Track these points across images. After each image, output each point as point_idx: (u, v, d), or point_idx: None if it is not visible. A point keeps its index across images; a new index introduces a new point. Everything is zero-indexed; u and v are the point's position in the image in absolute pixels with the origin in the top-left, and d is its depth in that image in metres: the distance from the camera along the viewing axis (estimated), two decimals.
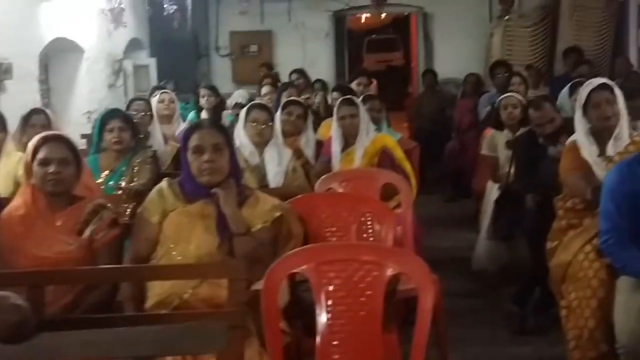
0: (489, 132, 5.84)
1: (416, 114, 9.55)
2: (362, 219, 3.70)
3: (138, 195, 3.86)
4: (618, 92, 3.88)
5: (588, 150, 3.79)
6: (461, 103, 8.47)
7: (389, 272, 2.45)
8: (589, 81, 3.98)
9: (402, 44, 19.71)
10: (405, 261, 2.45)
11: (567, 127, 4.46)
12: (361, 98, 5.51)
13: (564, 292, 3.59)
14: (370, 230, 3.72)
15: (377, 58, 20.27)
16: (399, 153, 4.92)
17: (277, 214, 3.03)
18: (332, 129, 4.96)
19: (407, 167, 4.91)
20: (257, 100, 5.53)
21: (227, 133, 3.08)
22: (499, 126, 5.70)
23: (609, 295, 3.25)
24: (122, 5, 8.34)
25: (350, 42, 19.85)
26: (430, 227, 6.95)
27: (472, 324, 4.58)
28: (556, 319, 4.16)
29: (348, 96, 5.11)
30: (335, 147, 4.83)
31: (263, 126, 4.35)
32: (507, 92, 6.37)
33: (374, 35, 21.71)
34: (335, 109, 4.93)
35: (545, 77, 8.60)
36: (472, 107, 7.91)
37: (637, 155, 3.28)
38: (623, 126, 3.80)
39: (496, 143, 5.59)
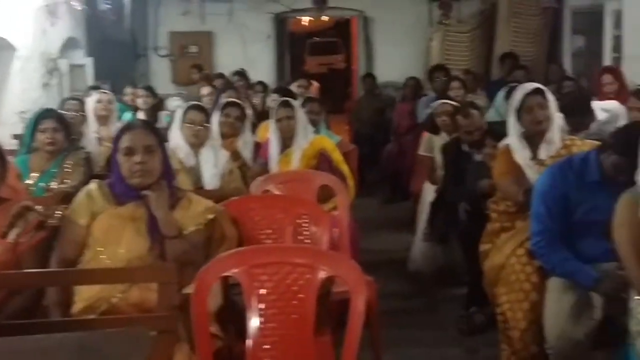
0: (427, 134, 5.92)
1: (356, 117, 9.59)
2: (298, 221, 3.68)
3: (69, 198, 3.76)
4: (550, 96, 3.96)
5: (520, 154, 3.86)
6: (400, 106, 8.55)
7: (322, 274, 2.43)
8: (522, 86, 4.04)
9: (344, 47, 19.78)
10: (337, 264, 2.44)
11: (491, 132, 4.55)
12: (301, 100, 5.51)
13: (497, 294, 3.62)
14: (306, 232, 3.72)
15: (319, 61, 20.32)
16: (337, 155, 4.92)
17: (210, 216, 2.99)
18: (269, 131, 4.94)
19: (345, 169, 4.92)
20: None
21: (159, 134, 3.03)
22: (435, 130, 5.78)
23: (540, 297, 3.28)
24: (57, 2, 8.14)
25: (292, 44, 19.86)
26: (368, 229, 6.98)
27: (407, 325, 4.59)
28: (489, 320, 4.26)
29: (285, 98, 5.08)
30: (273, 149, 4.81)
31: (199, 127, 4.29)
32: (446, 96, 6.48)
33: (316, 38, 21.74)
34: (272, 111, 4.91)
35: (482, 82, 8.72)
36: (410, 110, 8.00)
37: (568, 159, 3.35)
38: (555, 130, 3.88)
39: (433, 145, 5.67)
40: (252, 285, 2.41)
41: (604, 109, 5.06)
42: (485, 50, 9.71)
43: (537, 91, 3.88)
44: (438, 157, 5.52)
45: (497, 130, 4.37)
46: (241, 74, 8.49)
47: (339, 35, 20.66)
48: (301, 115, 4.84)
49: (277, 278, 2.42)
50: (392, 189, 8.24)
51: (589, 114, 4.75)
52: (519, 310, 3.39)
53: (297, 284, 2.41)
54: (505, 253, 3.65)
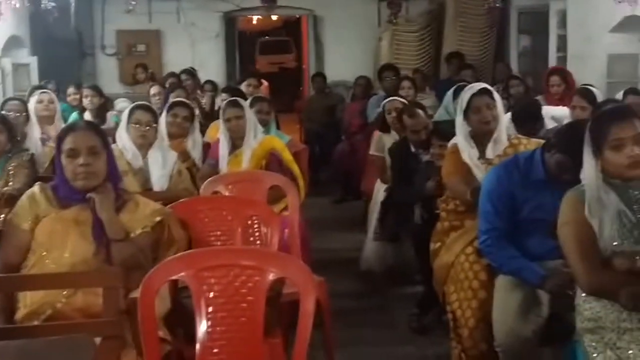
0: (378, 134, 5.94)
1: (306, 116, 9.58)
2: (249, 222, 3.67)
3: (12, 201, 3.66)
4: (497, 96, 4.01)
5: (468, 153, 3.89)
6: (351, 106, 8.57)
7: (271, 276, 2.41)
8: (470, 86, 4.08)
9: (295, 46, 19.78)
10: (286, 265, 2.42)
11: (438, 131, 4.60)
12: (250, 100, 5.47)
13: (447, 292, 3.64)
14: (257, 234, 3.70)
15: (270, 60, 20.25)
16: (287, 155, 4.90)
17: (158, 218, 2.95)
18: (219, 131, 4.89)
19: (295, 169, 4.90)
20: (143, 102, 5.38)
21: (103, 135, 2.97)
22: (386, 129, 5.81)
23: (489, 295, 3.30)
24: None
25: (242, 43, 19.75)
26: (320, 228, 6.99)
27: (359, 325, 4.60)
28: (439, 318, 4.30)
29: (233, 98, 5.04)
30: (223, 149, 4.76)
31: (147, 128, 4.23)
32: (396, 96, 6.52)
33: (266, 37, 21.69)
34: (221, 111, 4.86)
35: (431, 81, 8.80)
36: (361, 109, 8.02)
37: (513, 158, 3.38)
38: (502, 130, 3.93)
39: (384, 144, 5.69)
40: (200, 288, 2.38)
41: (554, 116, 5.15)
42: (434, 49, 9.81)
43: (484, 91, 3.92)
44: (388, 157, 5.55)
45: (445, 130, 4.42)
46: (190, 72, 8.41)
47: (289, 34, 20.65)
48: (250, 115, 4.81)
49: (225, 281, 2.39)
50: (343, 189, 8.25)
51: (539, 121, 4.82)
52: (468, 308, 3.42)
53: (246, 287, 2.38)
54: (455, 252, 3.67)
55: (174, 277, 2.43)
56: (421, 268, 4.47)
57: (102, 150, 2.85)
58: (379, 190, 5.57)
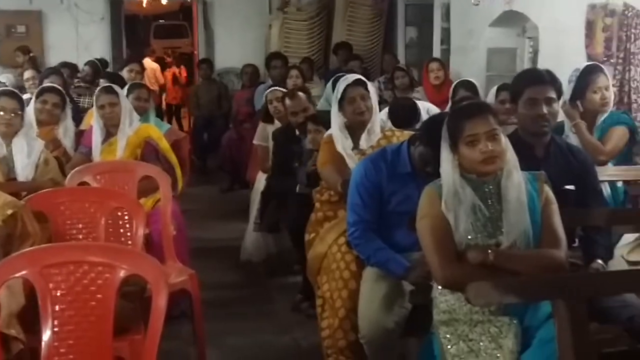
0: (262, 124, 5.90)
1: (194, 103, 9.43)
2: (118, 214, 3.56)
3: None
4: (372, 88, 4.04)
5: (342, 144, 3.92)
6: (238, 94, 8.50)
7: (122, 273, 2.32)
8: (345, 77, 4.09)
9: (191, 31, 19.42)
10: (137, 261, 2.34)
11: (312, 116, 4.64)
12: (127, 86, 5.31)
13: (320, 283, 3.66)
14: (127, 226, 3.59)
15: (165, 44, 19.78)
16: (164, 144, 4.76)
17: (9, 211, 2.82)
18: (93, 118, 4.73)
19: (173, 158, 4.77)
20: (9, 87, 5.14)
21: None
22: (269, 119, 5.78)
23: (359, 286, 3.32)
24: None
25: (136, 27, 19.19)
26: (206, 218, 6.94)
27: (237, 316, 4.57)
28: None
29: (108, 84, 4.87)
30: (96, 137, 4.59)
31: (11, 115, 4.03)
32: (284, 84, 6.49)
33: (161, 21, 21.21)
34: (94, 97, 4.69)
35: (320, 70, 8.82)
36: (249, 97, 7.95)
37: (382, 150, 3.41)
38: (375, 121, 3.96)
39: (267, 134, 5.64)
40: (45, 286, 2.27)
41: (429, 111, 5.23)
42: (324, 39, 9.81)
43: (359, 82, 3.94)
44: (272, 146, 5.52)
45: (321, 115, 4.45)
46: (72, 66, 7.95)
47: (186, 18, 20.27)
48: (125, 102, 4.65)
49: (74, 278, 2.29)
50: (232, 178, 8.17)
51: (416, 117, 4.89)
52: (339, 298, 3.43)
53: (95, 284, 2.29)
54: (328, 242, 3.69)
55: (17, 275, 2.30)
56: (299, 258, 4.48)
57: None
58: (260, 180, 5.53)
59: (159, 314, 2.24)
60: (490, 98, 5.30)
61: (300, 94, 5.00)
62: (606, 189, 3.81)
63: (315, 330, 4.02)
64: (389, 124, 4.81)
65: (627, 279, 2.29)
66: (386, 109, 5.12)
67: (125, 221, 3.62)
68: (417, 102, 5.12)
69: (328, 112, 4.82)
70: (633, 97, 4.98)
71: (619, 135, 3.97)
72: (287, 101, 5.01)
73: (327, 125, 4.47)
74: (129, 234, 3.57)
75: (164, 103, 12.82)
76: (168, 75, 13.07)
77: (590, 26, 5.26)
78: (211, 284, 4.96)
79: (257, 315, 4.61)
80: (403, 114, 4.80)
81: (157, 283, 2.27)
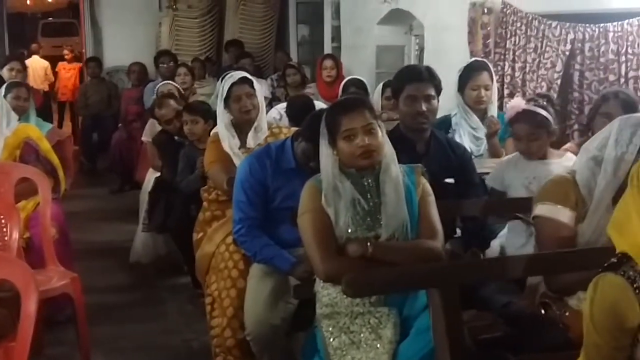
0: (151, 120, 5.82)
1: (83, 103, 9.17)
2: None
3: None
4: (258, 85, 4.04)
5: (229, 143, 3.91)
6: (127, 93, 8.34)
7: None
8: (230, 74, 4.08)
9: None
10: (5, 266, 2.24)
11: (187, 106, 4.68)
12: (5, 85, 5.10)
13: (208, 282, 3.62)
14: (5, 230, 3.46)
15: (54, 42, 19.17)
16: (44, 144, 4.58)
17: None
18: None
19: (54, 159, 4.60)
20: None
21: None
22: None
23: (247, 284, 3.32)
24: None
25: (23, 25, 18.51)
26: (94, 220, 6.77)
27: (126, 319, 4.47)
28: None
29: None
30: None
31: None
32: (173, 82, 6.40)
33: (50, 19, 20.56)
34: None
35: (212, 69, 8.73)
36: (138, 96, 7.80)
37: (266, 147, 3.41)
38: (262, 119, 3.97)
39: (157, 130, 5.56)
40: None
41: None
42: (216, 37, 9.74)
43: (245, 80, 3.94)
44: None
45: (195, 105, 4.49)
46: None
47: (76, 16, 19.69)
48: (2, 101, 4.46)
49: None
50: (122, 178, 7.99)
51: None
52: (227, 297, 3.40)
53: None
54: (216, 242, 3.66)
55: None
56: (185, 259, 4.43)
57: None
58: (149, 180, 5.43)
59: (29, 320, 2.16)
60: (377, 95, 5.42)
61: (170, 100, 5.00)
62: None
63: (203, 331, 4.00)
64: (286, 121, 4.84)
65: (497, 267, 2.36)
66: (281, 105, 5.14)
67: (2, 225, 3.49)
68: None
69: (204, 103, 4.84)
70: (506, 91, 5.19)
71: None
72: (157, 111, 5.00)
73: (204, 115, 4.46)
74: (5, 238, 3.44)
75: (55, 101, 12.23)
76: (66, 71, 12.25)
77: (472, 24, 5.43)
78: (100, 287, 4.86)
79: (147, 317, 4.52)
80: (300, 110, 4.83)
81: (27, 288, 2.19)
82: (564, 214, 2.44)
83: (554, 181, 2.55)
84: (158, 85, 5.80)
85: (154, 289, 5.00)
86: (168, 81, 5.85)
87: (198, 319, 4.28)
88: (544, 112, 3.26)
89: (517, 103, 3.43)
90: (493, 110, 4.12)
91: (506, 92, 5.19)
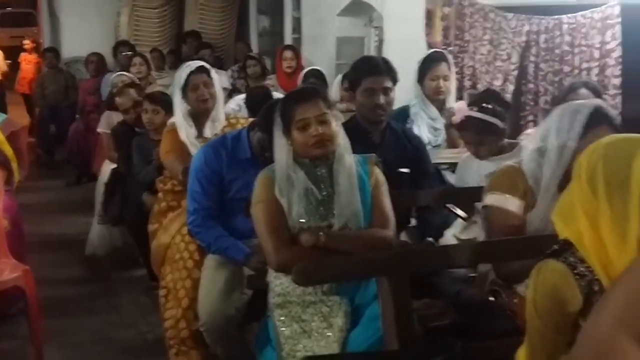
0: (107, 111, 5.77)
1: (40, 94, 9.01)
2: None
3: None
4: (215, 75, 4.01)
5: (185, 132, 3.88)
6: (84, 83, 8.22)
7: None
8: (187, 64, 4.05)
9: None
10: None
11: (148, 95, 4.65)
12: None
13: (164, 273, 3.60)
14: None
15: (12, 33, 18.83)
16: None
17: None
18: None
19: (8, 150, 4.53)
20: None
21: None
22: (115, 106, 5.61)
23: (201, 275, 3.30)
24: None
25: None
26: (50, 212, 6.67)
27: (81, 312, 4.43)
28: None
29: None
30: None
31: None
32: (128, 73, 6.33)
33: (8, 8, 20.19)
34: None
35: (172, 60, 8.64)
36: (96, 87, 7.68)
37: (222, 137, 3.38)
38: (219, 108, 3.95)
39: (113, 121, 5.50)
40: None
41: None
42: (176, 27, 9.64)
43: (202, 69, 3.91)
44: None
45: (157, 95, 4.45)
46: None
47: (34, 6, 19.35)
48: None
49: None
50: (78, 170, 7.88)
51: None
52: (182, 288, 3.40)
53: None
54: (171, 232, 3.65)
55: None
56: (140, 251, 4.40)
57: None
58: (106, 172, 5.36)
59: None
60: (336, 85, 5.42)
61: (130, 89, 4.94)
62: None
63: (158, 323, 3.97)
64: (245, 112, 4.82)
65: (445, 255, 2.38)
66: (240, 97, 5.10)
67: None
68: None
69: (166, 94, 4.81)
70: (468, 83, 5.22)
71: None
72: (117, 100, 4.95)
73: (165, 106, 4.43)
74: None
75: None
76: (27, 62, 11.92)
77: (429, 15, 5.45)
78: (54, 279, 4.81)
79: (102, 310, 4.49)
80: (258, 101, 4.81)
81: None
82: (512, 203, 2.47)
83: (503, 171, 2.57)
84: (113, 77, 5.73)
85: (109, 282, 4.95)
86: (122, 72, 5.77)
87: (153, 312, 4.23)
88: (488, 118, 3.27)
89: (462, 107, 3.45)
90: (451, 101, 4.14)
91: (468, 84, 5.23)
